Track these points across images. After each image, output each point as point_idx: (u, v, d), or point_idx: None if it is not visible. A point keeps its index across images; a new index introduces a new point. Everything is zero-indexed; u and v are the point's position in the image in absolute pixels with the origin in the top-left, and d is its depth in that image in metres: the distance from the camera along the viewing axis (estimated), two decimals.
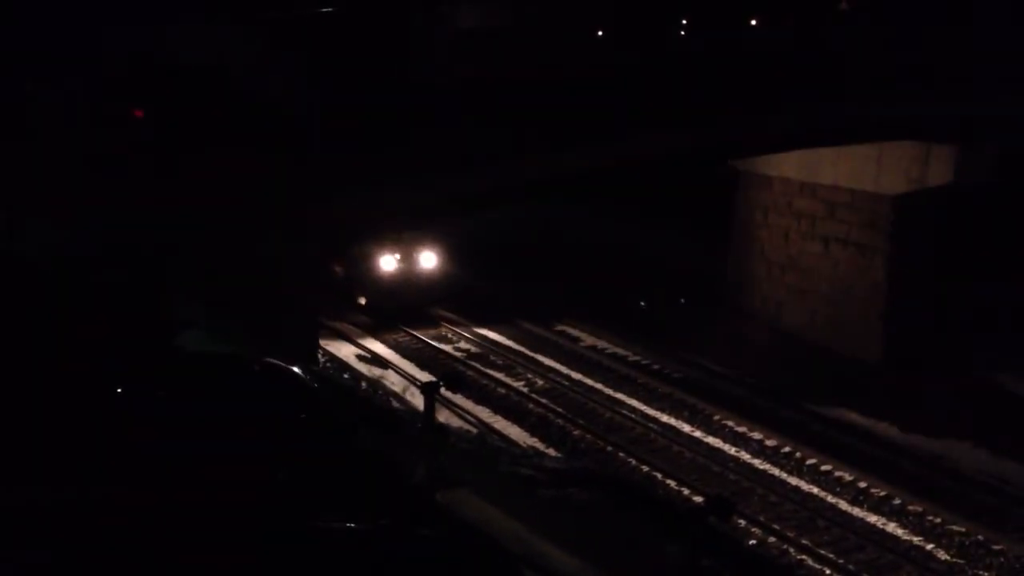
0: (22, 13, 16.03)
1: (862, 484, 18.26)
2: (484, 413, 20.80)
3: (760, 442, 19.89)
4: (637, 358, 24.39)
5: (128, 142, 15.56)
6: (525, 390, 22.15)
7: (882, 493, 17.98)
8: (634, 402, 21.84)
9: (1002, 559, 16.23)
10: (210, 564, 6.47)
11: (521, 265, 30.67)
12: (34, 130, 14.90)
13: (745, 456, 19.49)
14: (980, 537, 16.64)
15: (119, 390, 9.89)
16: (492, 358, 24.17)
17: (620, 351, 24.77)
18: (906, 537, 16.84)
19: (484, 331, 25.85)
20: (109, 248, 13.46)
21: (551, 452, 18.74)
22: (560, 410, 21.00)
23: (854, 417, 21.87)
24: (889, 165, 24.22)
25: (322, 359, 20.27)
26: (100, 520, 7.13)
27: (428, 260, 26.38)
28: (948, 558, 16.31)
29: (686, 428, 20.61)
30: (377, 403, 17.14)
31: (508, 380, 22.63)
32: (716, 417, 20.89)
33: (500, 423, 20.32)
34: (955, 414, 21.54)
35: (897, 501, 17.74)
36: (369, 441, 12.39)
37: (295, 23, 20.17)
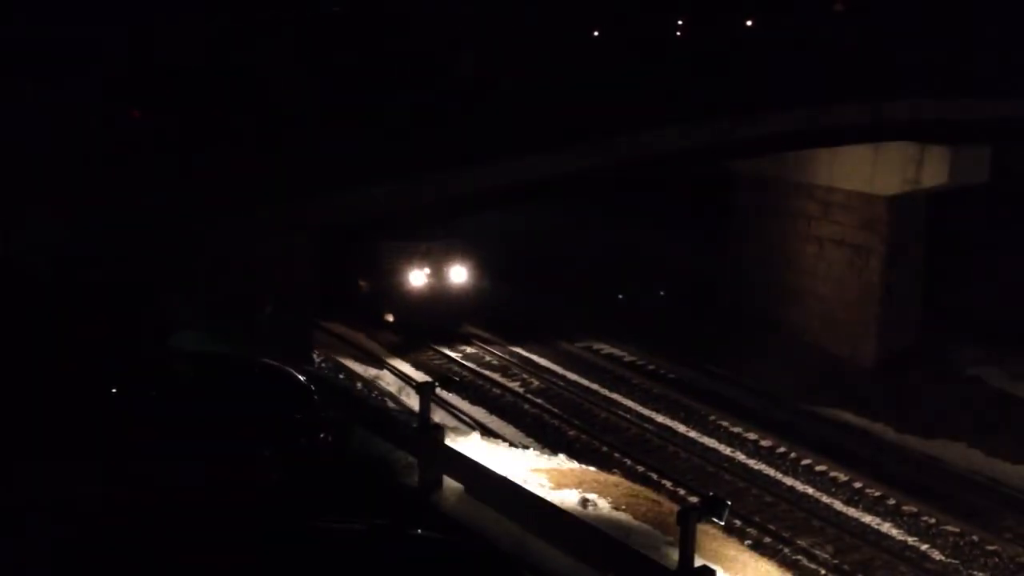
0: (22, 13, 16.08)
1: (857, 484, 18.32)
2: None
3: (755, 442, 19.94)
4: (632, 359, 24.48)
5: (128, 142, 15.60)
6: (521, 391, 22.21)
7: (877, 493, 18.04)
8: (629, 402, 21.90)
9: (996, 559, 16.29)
10: (210, 564, 6.54)
11: (549, 280, 29.69)
12: (34, 130, 14.93)
13: (740, 457, 19.52)
14: (974, 537, 16.71)
15: (116, 390, 9.96)
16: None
17: (617, 352, 24.84)
18: (901, 537, 16.89)
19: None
20: (109, 248, 13.50)
21: (549, 451, 18.77)
22: (556, 410, 21.06)
23: (849, 417, 21.92)
24: (884, 166, 24.19)
25: (317, 359, 20.21)
26: (100, 520, 7.19)
27: (459, 275, 24.73)
28: (943, 558, 16.36)
29: (681, 429, 20.67)
30: (373, 403, 17.19)
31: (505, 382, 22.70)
32: (711, 418, 20.94)
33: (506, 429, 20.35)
34: (949, 415, 21.60)
35: (892, 501, 17.80)
36: (364, 441, 12.49)
37: (296, 23, 20.24)
